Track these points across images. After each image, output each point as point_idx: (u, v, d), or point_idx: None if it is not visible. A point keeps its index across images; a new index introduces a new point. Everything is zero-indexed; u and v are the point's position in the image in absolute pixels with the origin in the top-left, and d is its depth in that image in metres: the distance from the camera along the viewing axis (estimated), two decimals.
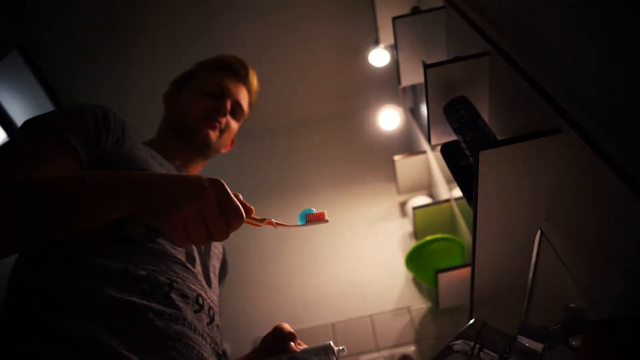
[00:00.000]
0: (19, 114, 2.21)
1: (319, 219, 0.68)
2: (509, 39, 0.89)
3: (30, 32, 2.14)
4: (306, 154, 2.42)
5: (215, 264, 0.99)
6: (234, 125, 1.18)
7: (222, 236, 0.62)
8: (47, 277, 0.73)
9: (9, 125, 1.90)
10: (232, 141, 1.26)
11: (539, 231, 0.82)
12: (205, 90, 1.14)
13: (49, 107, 2.29)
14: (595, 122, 0.64)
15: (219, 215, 0.61)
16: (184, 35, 2.26)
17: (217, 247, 1.04)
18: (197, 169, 1.16)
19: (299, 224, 0.69)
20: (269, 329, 0.85)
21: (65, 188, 0.64)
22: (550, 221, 0.78)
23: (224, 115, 1.13)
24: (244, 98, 1.20)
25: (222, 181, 0.63)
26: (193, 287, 0.82)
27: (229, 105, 1.14)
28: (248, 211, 0.65)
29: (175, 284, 0.78)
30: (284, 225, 0.69)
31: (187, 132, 1.10)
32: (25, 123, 0.81)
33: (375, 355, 1.51)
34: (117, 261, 0.76)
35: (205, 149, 1.12)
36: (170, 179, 0.63)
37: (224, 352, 1.69)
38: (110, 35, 2.21)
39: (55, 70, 2.26)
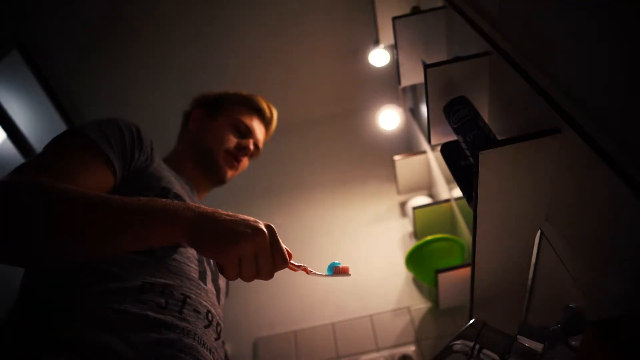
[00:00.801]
0: (19, 114, 2.21)
1: (344, 272, 0.79)
2: (509, 39, 0.89)
3: (30, 32, 2.14)
4: (306, 154, 2.42)
5: (222, 284, 1.01)
6: (246, 163, 1.24)
7: (268, 276, 0.68)
8: (61, 285, 0.73)
9: (9, 125, 1.90)
10: None
11: (539, 231, 0.82)
12: (237, 126, 1.20)
13: (49, 107, 2.29)
14: (595, 122, 0.64)
15: (269, 257, 0.67)
16: (183, 36, 2.26)
17: None
18: (204, 194, 1.20)
19: (327, 274, 0.78)
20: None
21: (121, 206, 0.65)
22: (550, 221, 0.78)
23: (246, 155, 1.20)
24: (263, 140, 1.28)
25: (274, 227, 0.69)
26: (204, 303, 0.84)
27: (252, 146, 1.20)
28: (290, 256, 0.71)
29: (188, 299, 0.80)
30: (315, 274, 0.77)
31: (209, 163, 1.14)
32: (64, 133, 0.82)
33: (375, 355, 1.51)
34: (135, 274, 0.77)
35: (219, 184, 1.18)
36: (232, 217, 0.67)
37: (225, 352, 1.70)
38: (110, 35, 2.21)
39: (55, 70, 2.26)
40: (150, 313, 0.72)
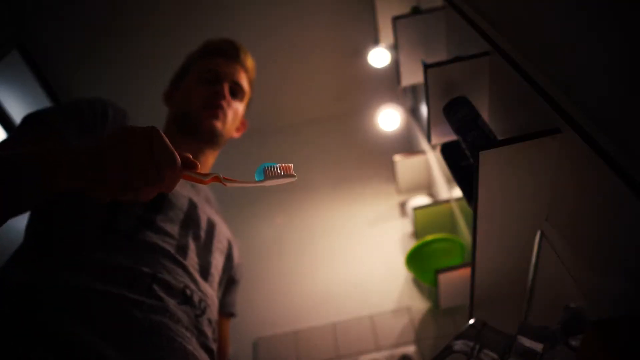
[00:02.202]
0: (19, 114, 2.21)
1: (285, 173, 0.55)
2: (509, 39, 0.89)
3: (30, 32, 2.14)
4: (306, 154, 2.42)
5: (218, 258, 0.99)
6: (239, 106, 1.15)
7: (154, 183, 0.53)
8: (30, 270, 0.74)
9: (9, 125, 1.90)
10: (243, 124, 1.23)
11: (539, 231, 0.82)
12: (201, 78, 1.11)
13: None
14: (595, 122, 0.64)
15: (150, 161, 0.52)
16: (183, 36, 2.25)
17: (220, 242, 1.03)
18: (208, 160, 1.12)
19: (256, 180, 0.56)
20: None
21: (10, 158, 0.58)
22: (550, 221, 0.78)
23: (224, 98, 1.08)
24: (241, 78, 1.16)
25: (158, 129, 0.55)
26: (180, 279, 0.82)
27: (226, 88, 1.10)
28: (190, 165, 0.56)
29: (159, 274, 0.79)
30: (234, 181, 0.57)
31: (190, 124, 1.06)
32: (24, 118, 0.82)
33: (375, 355, 1.51)
34: (101, 252, 0.77)
35: (212, 138, 1.08)
36: (102, 140, 0.54)
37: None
38: (110, 35, 2.21)
39: (55, 70, 2.26)
40: (113, 290, 0.73)
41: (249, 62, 1.21)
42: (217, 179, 0.57)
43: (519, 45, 0.85)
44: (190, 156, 0.57)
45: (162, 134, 0.54)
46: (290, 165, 0.57)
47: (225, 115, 1.09)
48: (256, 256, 1.86)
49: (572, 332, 0.64)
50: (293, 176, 0.56)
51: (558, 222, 0.76)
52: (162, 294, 0.77)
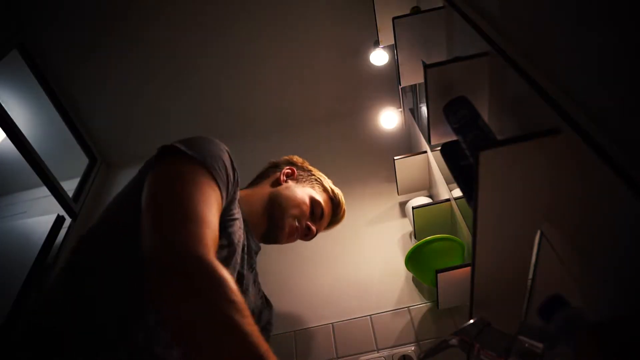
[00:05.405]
0: (19, 114, 2.21)
1: None
2: (509, 39, 0.89)
3: (30, 32, 2.14)
4: (306, 154, 2.40)
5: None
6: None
7: None
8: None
9: (8, 125, 1.90)
10: None
11: (539, 231, 0.82)
12: (314, 206, 1.23)
13: (49, 107, 2.29)
14: (595, 122, 0.64)
15: None
16: (183, 36, 2.26)
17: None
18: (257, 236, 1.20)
19: None
20: None
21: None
22: (550, 221, 0.78)
23: (306, 238, 1.24)
24: (321, 231, 1.32)
25: None
26: None
27: (315, 233, 1.24)
28: None
29: None
30: None
31: (275, 221, 1.16)
32: (179, 155, 0.81)
33: (374, 355, 1.51)
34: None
35: (270, 242, 1.20)
36: None
37: None
38: (110, 35, 2.21)
39: (55, 70, 2.26)
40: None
41: (329, 228, 1.38)
42: None
43: (519, 45, 0.85)
44: None
45: None
46: None
47: (290, 242, 1.23)
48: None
49: (572, 332, 0.64)
50: None
51: (558, 222, 0.76)
52: None
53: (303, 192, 1.23)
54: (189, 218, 0.70)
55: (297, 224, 1.20)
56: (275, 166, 1.32)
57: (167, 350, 0.78)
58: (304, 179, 1.28)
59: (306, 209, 1.21)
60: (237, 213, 0.94)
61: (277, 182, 1.23)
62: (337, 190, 1.35)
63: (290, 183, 1.24)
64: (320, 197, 1.27)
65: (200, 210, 0.73)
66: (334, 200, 1.31)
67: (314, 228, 1.23)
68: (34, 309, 0.79)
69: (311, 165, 1.46)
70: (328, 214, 1.30)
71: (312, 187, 1.28)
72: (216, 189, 0.79)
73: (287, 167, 1.28)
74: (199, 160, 0.79)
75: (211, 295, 0.63)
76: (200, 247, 0.67)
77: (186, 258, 0.65)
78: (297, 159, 1.36)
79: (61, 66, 2.26)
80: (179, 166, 0.79)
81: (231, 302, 0.63)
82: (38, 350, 0.71)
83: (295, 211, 1.18)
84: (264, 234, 1.19)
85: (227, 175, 0.85)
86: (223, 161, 0.85)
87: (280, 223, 1.16)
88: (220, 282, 0.64)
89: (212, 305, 0.62)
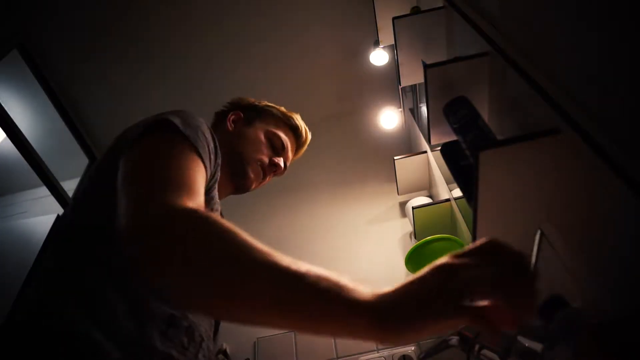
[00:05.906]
0: (19, 114, 2.21)
1: None
2: (509, 39, 0.89)
3: (31, 32, 2.14)
4: (306, 154, 2.41)
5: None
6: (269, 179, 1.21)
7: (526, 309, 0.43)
8: (93, 301, 0.68)
9: (9, 125, 1.90)
10: None
11: (539, 231, 0.82)
12: (272, 139, 1.16)
13: (49, 107, 2.29)
14: (595, 122, 0.64)
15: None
16: (183, 36, 2.26)
17: None
18: (221, 198, 1.12)
19: None
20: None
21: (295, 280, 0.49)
22: (550, 221, 0.78)
23: (281, 173, 1.16)
24: (290, 160, 1.23)
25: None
26: (211, 348, 0.84)
27: (283, 165, 1.16)
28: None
29: (203, 343, 0.79)
30: None
31: (238, 169, 1.08)
32: (169, 125, 0.76)
33: (375, 355, 1.51)
34: (166, 305, 0.73)
35: (240, 192, 1.12)
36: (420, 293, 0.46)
37: (225, 351, 1.69)
38: (111, 35, 2.20)
39: (55, 70, 2.26)
40: (174, 352, 0.70)
41: (301, 153, 1.30)
42: None
43: (519, 45, 0.85)
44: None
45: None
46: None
47: (263, 183, 1.16)
48: None
49: (572, 332, 0.64)
50: None
51: (558, 222, 0.76)
52: None
53: (255, 131, 1.15)
54: (174, 183, 0.64)
55: (259, 166, 1.11)
56: (221, 115, 1.21)
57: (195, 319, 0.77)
58: (253, 118, 1.18)
59: (264, 147, 1.13)
60: (216, 196, 0.90)
61: (227, 133, 1.14)
62: (290, 113, 1.24)
63: (240, 128, 1.16)
64: (275, 127, 1.18)
65: (188, 175, 0.67)
66: (291, 126, 1.21)
67: (280, 162, 1.14)
68: (29, 309, 0.77)
69: (310, 164, 1.44)
70: (291, 142, 1.21)
71: (264, 122, 1.18)
72: (202, 166, 0.74)
73: (232, 114, 1.21)
74: (191, 142, 0.74)
75: (221, 237, 0.54)
76: (185, 202, 0.59)
77: (172, 213, 0.56)
78: (241, 99, 1.24)
79: (61, 66, 2.25)
80: (169, 142, 0.73)
81: (239, 236, 0.55)
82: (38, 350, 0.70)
83: (253, 154, 1.10)
84: (229, 185, 1.10)
85: (210, 153, 0.82)
86: (207, 142, 0.83)
87: (243, 170, 1.08)
88: (224, 226, 0.56)
89: (222, 243, 0.54)
